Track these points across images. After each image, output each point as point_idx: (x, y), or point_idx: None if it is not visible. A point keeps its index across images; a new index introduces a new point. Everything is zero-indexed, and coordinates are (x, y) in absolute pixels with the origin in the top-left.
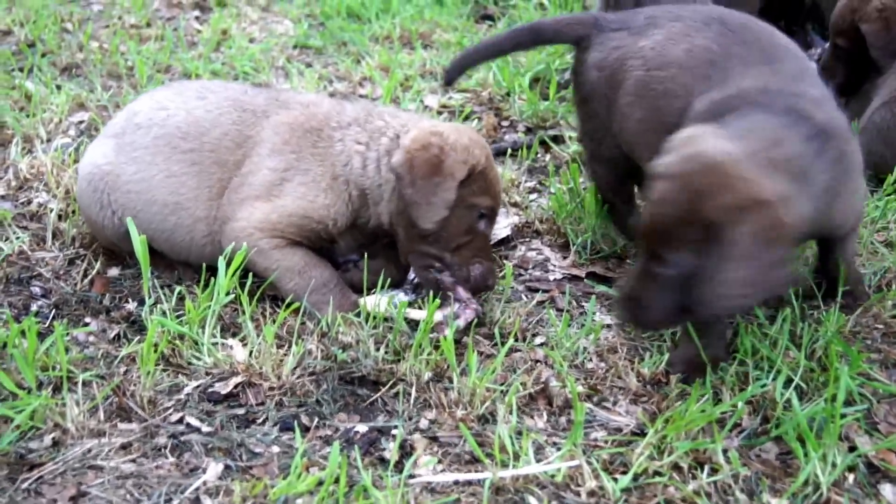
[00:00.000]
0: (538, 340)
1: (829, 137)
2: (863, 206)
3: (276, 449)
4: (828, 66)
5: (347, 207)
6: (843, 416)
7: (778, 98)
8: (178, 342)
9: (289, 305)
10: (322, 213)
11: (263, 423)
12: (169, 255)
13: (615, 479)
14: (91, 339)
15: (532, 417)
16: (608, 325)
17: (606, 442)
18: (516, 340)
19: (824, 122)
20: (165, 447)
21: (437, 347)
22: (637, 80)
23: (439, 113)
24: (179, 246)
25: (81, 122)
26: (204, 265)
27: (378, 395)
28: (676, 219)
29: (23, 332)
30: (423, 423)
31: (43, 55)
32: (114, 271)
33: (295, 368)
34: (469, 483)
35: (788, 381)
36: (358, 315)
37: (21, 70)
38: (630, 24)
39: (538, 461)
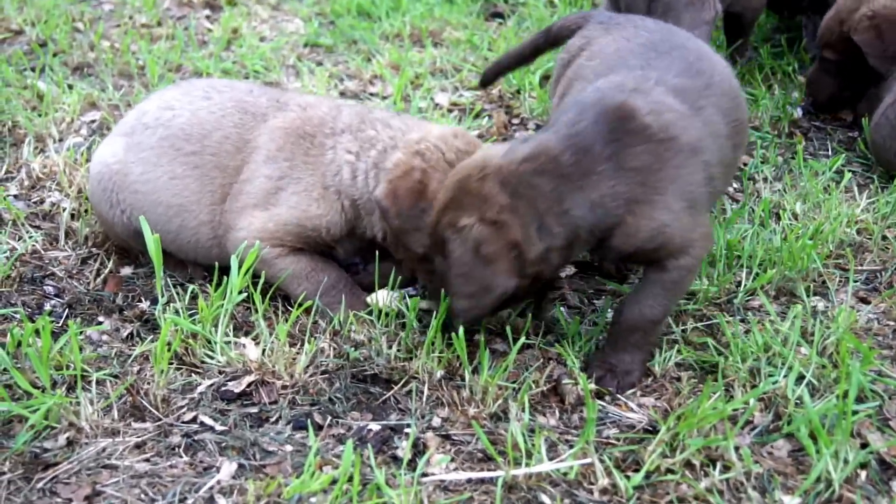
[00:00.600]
0: (550, 338)
1: (641, 141)
2: (690, 232)
3: (289, 447)
4: (813, 79)
5: (341, 217)
6: (854, 412)
7: (614, 94)
8: (191, 341)
9: (301, 304)
10: (315, 223)
11: (276, 421)
12: (177, 256)
13: (627, 477)
14: (104, 337)
15: (544, 415)
16: None
17: (619, 439)
18: (528, 338)
19: (646, 124)
20: (179, 446)
21: (449, 345)
22: (576, 66)
23: (450, 111)
24: (186, 247)
25: (93, 121)
26: (217, 264)
27: (391, 393)
28: (432, 223)
29: (37, 332)
30: (436, 422)
31: (54, 55)
32: (126, 270)
33: (308, 367)
34: (482, 481)
35: (800, 378)
36: (370, 313)
37: (33, 69)
38: (608, 21)
39: (551, 459)
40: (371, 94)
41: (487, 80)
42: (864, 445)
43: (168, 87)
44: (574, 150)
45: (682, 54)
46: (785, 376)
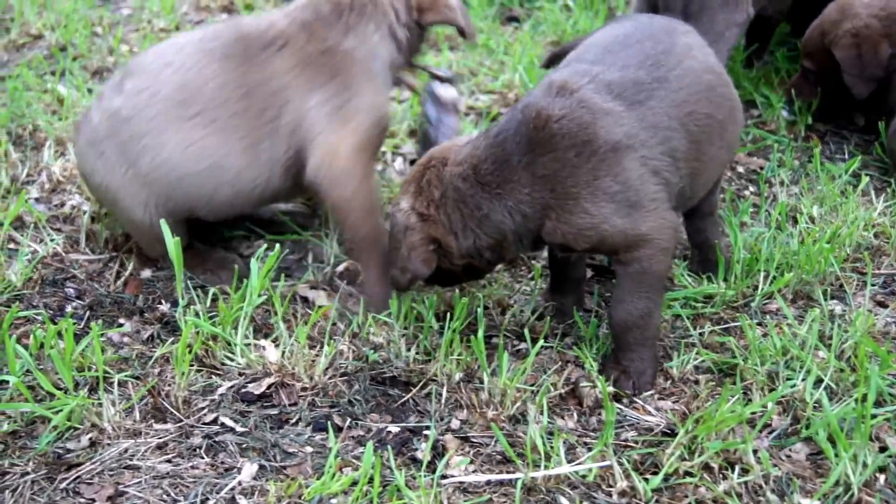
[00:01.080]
0: (568, 340)
1: (549, 149)
2: (632, 230)
3: (309, 449)
4: (796, 85)
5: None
6: (873, 416)
7: (537, 100)
8: (211, 343)
9: (320, 307)
10: (388, 107)
11: (297, 423)
12: (212, 217)
13: (646, 480)
14: (125, 339)
15: (563, 418)
16: None
17: (637, 442)
18: (546, 340)
19: (553, 133)
20: (200, 447)
21: (468, 348)
22: None
23: (466, 114)
24: (225, 202)
25: None
26: (237, 268)
27: (409, 395)
28: None
29: (59, 333)
30: (455, 424)
31: (74, 59)
32: (147, 273)
33: (327, 369)
34: (501, 483)
35: (818, 382)
36: (388, 315)
37: (53, 74)
38: (620, 18)
39: (569, 461)
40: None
41: (549, 64)
42: (883, 449)
43: (106, 90)
44: (494, 159)
45: (645, 46)
46: (803, 380)
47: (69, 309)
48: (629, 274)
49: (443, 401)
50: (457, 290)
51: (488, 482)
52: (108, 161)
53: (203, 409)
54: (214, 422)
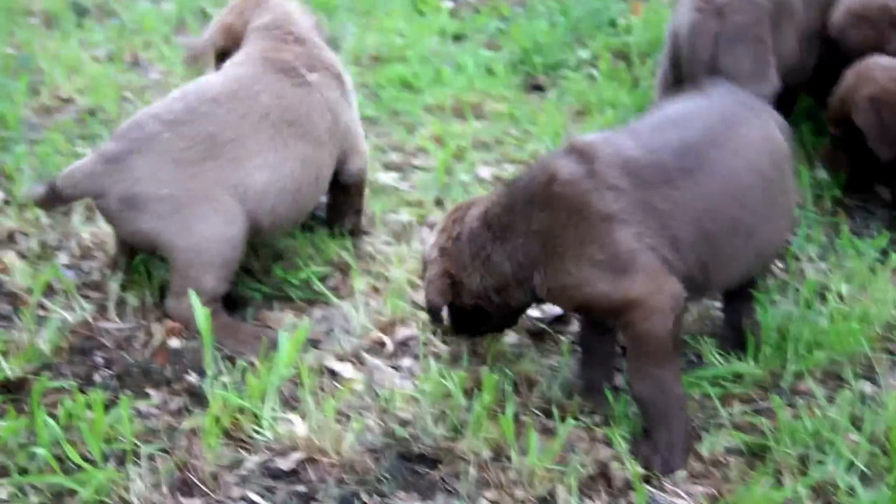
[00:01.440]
0: (597, 417)
1: (547, 207)
2: (615, 293)
3: None
4: (827, 156)
5: None
6: None
7: (555, 158)
8: (239, 416)
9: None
10: None
11: (324, 500)
12: (286, 229)
13: None
14: (153, 410)
15: (591, 498)
16: None
17: None
18: (575, 417)
19: (554, 193)
20: None
21: (496, 423)
22: None
23: (491, 184)
24: (310, 208)
25: None
26: (265, 340)
27: (438, 473)
28: None
29: (88, 404)
30: None
31: (103, 123)
32: (175, 342)
33: (355, 444)
34: None
35: (851, 465)
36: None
37: (82, 138)
38: (705, 87)
39: None
40: (414, 167)
41: None
42: None
43: (175, 113)
44: (503, 204)
45: (694, 131)
46: (835, 463)
47: (98, 378)
48: (630, 341)
49: (471, 479)
50: (485, 365)
51: None
52: (202, 182)
53: (230, 483)
54: (242, 498)
